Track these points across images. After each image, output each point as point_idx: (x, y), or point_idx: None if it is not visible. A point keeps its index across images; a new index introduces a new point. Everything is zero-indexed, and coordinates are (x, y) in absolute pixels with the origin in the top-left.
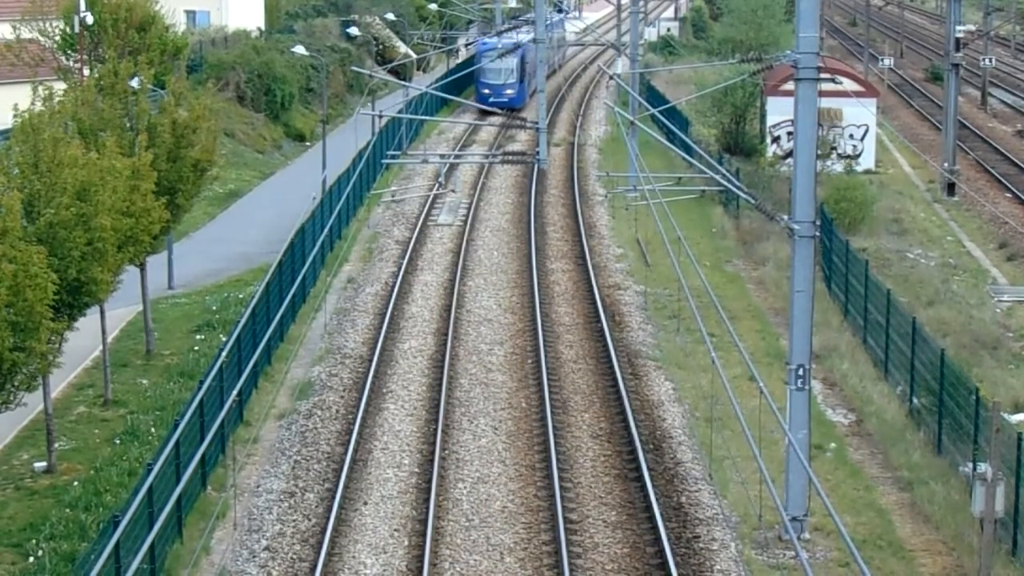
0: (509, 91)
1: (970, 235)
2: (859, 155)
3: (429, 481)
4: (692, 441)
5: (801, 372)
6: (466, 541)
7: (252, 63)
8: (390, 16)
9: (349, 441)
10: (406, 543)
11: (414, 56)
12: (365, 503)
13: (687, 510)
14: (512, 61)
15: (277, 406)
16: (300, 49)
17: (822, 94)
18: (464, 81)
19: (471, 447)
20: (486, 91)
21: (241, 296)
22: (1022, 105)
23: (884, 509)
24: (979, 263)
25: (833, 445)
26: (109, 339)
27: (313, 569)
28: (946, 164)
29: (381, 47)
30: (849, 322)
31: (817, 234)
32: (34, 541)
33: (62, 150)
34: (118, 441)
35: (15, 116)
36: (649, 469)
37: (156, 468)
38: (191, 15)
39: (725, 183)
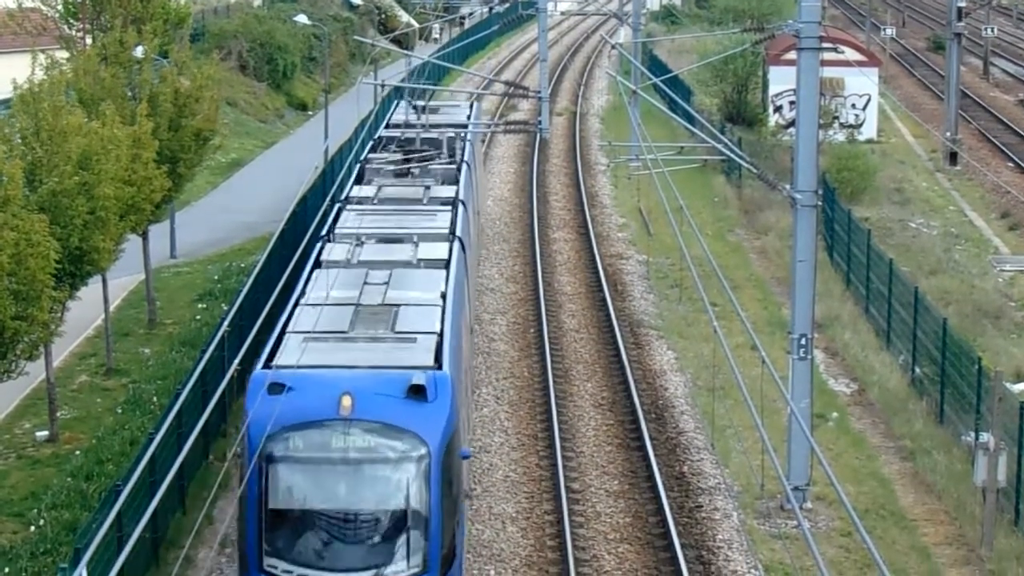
0: None
1: (972, 204)
2: (861, 124)
3: None
4: (694, 410)
5: (803, 341)
6: (468, 511)
7: (254, 32)
8: None
9: None
10: None
11: (416, 25)
12: None
13: (689, 480)
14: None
15: None
16: (302, 18)
17: (824, 63)
18: None
19: (473, 416)
20: None
21: (243, 265)
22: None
23: (886, 478)
24: (981, 233)
25: (835, 415)
26: (111, 308)
27: None
28: (948, 133)
29: (383, 16)
30: (851, 291)
31: (819, 203)
32: (36, 510)
33: (63, 119)
34: (120, 410)
35: (14, 88)
36: (651, 438)
37: (158, 437)
38: None
39: (727, 152)
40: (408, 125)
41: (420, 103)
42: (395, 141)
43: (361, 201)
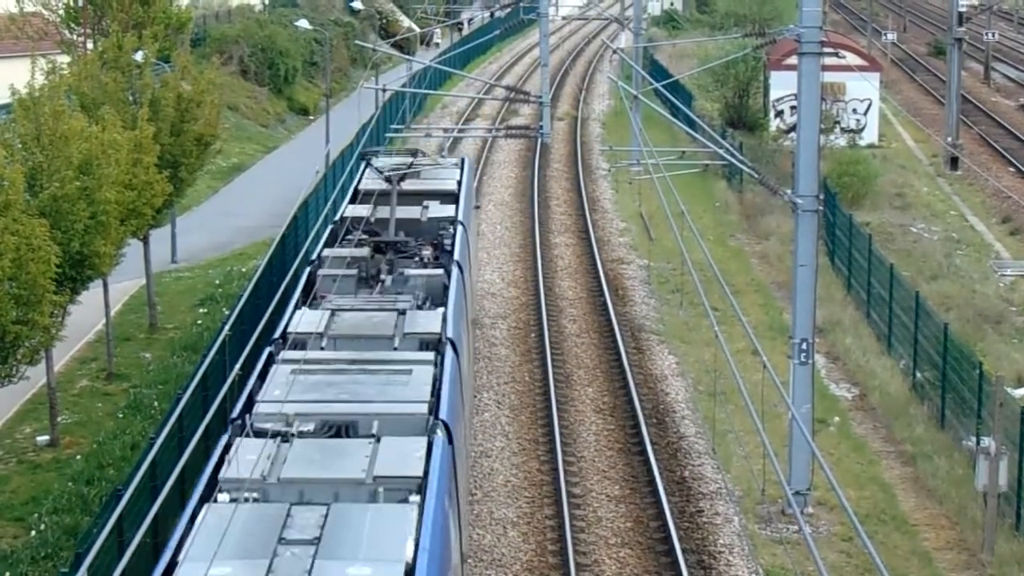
0: None
1: (973, 209)
2: (862, 129)
3: None
4: (695, 415)
5: (804, 346)
6: (469, 515)
7: (255, 37)
8: None
9: None
10: None
11: (417, 30)
12: None
13: (690, 484)
14: None
15: None
16: (303, 23)
17: (825, 68)
18: None
19: (474, 421)
20: None
21: (244, 270)
22: None
23: (887, 483)
24: (982, 237)
25: (836, 419)
26: (112, 313)
27: None
28: (949, 138)
29: (384, 21)
30: (852, 296)
31: (820, 208)
32: (37, 515)
33: (64, 123)
34: (121, 415)
35: (13, 94)
36: (652, 443)
37: (159, 442)
38: None
39: (728, 157)
40: (380, 195)
41: (394, 166)
42: (361, 225)
43: (302, 342)
